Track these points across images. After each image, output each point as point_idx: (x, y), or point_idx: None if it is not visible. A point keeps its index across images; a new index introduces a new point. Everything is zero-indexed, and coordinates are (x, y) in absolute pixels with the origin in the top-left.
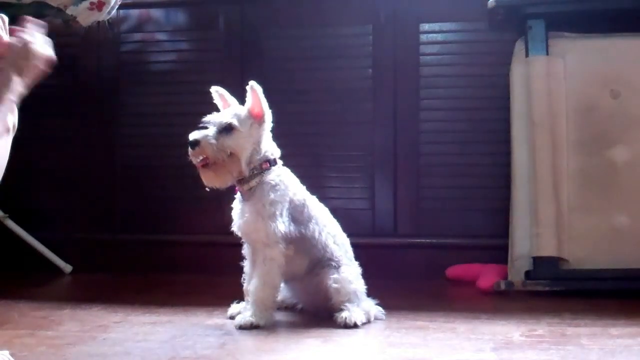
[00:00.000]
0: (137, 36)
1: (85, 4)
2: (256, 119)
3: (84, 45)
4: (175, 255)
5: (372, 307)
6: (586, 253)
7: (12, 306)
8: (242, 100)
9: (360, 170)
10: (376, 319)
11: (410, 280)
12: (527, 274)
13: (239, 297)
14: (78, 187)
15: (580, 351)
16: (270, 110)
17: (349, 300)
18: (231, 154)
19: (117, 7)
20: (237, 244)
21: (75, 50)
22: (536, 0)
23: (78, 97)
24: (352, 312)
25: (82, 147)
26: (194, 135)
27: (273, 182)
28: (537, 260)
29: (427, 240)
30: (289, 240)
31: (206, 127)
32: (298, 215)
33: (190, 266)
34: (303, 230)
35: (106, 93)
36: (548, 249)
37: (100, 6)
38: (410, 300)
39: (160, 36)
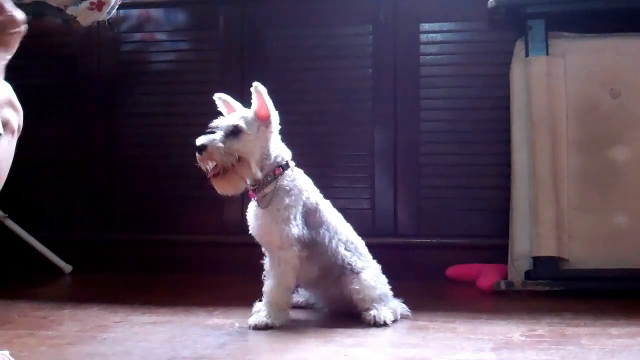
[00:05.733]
0: (137, 36)
1: (85, 4)
2: (262, 121)
3: (84, 45)
4: (175, 255)
5: (398, 305)
6: (586, 253)
7: (12, 306)
8: (245, 102)
9: (361, 170)
10: (402, 317)
11: (410, 280)
12: (527, 274)
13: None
14: (78, 187)
15: (580, 351)
16: (276, 112)
17: (376, 303)
18: (240, 159)
19: (117, 7)
20: (236, 244)
21: (75, 50)
22: (536, 0)
23: (78, 97)
24: (380, 311)
25: (82, 147)
26: (201, 140)
27: (287, 188)
28: (537, 260)
29: (427, 240)
30: (302, 243)
31: (213, 132)
32: (310, 218)
33: (190, 266)
34: (314, 235)
35: (106, 93)
36: (548, 249)
37: (100, 6)
38: (410, 300)
39: (160, 36)
